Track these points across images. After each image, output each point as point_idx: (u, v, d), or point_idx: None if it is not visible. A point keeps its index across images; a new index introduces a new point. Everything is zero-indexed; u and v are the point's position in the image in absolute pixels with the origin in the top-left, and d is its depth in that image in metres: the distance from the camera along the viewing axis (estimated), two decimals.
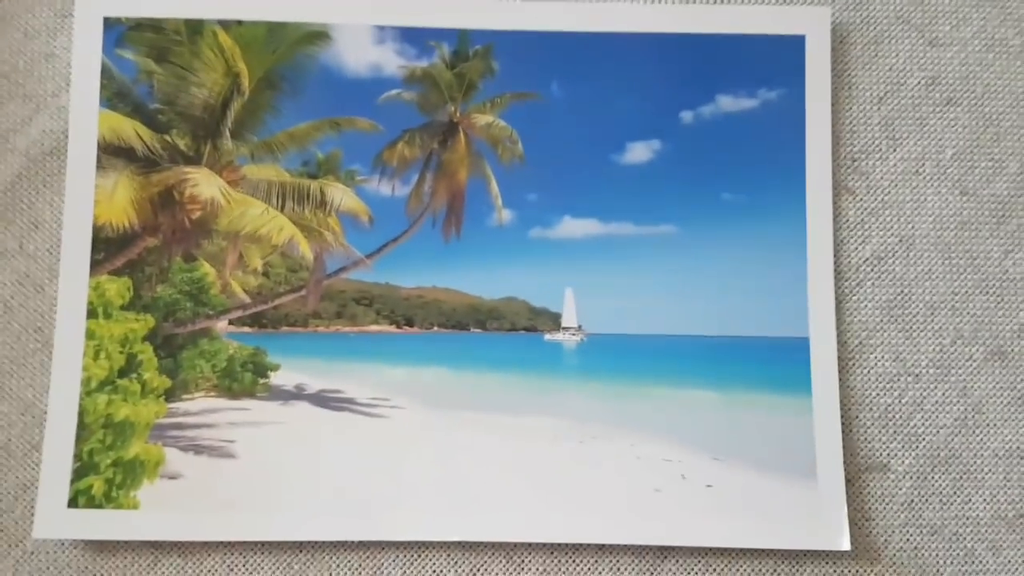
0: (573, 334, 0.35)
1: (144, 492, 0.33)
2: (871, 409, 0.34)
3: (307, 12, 0.35)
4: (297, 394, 0.34)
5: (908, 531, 0.33)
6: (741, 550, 0.33)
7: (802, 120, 0.35)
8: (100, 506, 0.32)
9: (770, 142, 0.35)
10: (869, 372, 0.34)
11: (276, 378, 0.34)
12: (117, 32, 0.35)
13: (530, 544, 0.33)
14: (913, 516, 0.33)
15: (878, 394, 0.34)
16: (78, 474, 0.32)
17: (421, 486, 0.33)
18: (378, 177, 0.35)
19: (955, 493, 0.33)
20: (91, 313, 0.33)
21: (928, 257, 0.35)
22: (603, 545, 0.33)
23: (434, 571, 0.33)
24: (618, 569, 0.33)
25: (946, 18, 0.36)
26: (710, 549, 0.33)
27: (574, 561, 0.33)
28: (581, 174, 0.35)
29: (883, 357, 0.34)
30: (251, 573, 0.33)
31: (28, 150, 0.35)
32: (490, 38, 0.35)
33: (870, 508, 0.33)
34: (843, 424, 0.34)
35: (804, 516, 0.33)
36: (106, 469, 0.33)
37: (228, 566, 0.33)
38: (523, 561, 0.33)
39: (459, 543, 0.33)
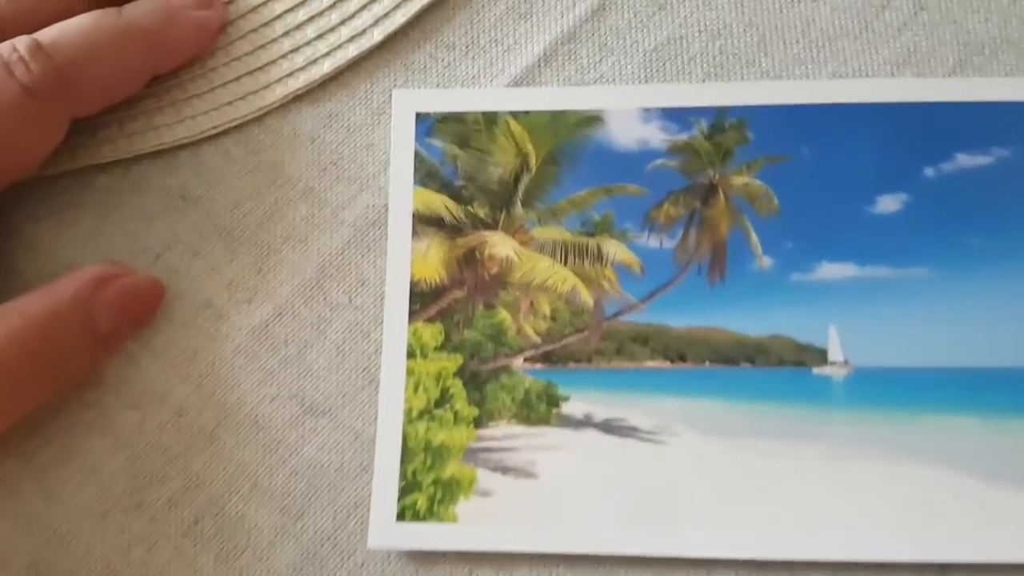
0: (841, 367, 0.38)
1: (461, 507, 0.37)
2: None
3: (584, 101, 0.42)
4: (586, 422, 0.39)
5: None
6: (1017, 565, 0.35)
7: None
8: (424, 519, 0.37)
9: (1006, 192, 0.39)
10: None
11: (566, 408, 0.39)
12: (427, 124, 0.42)
13: (812, 562, 0.36)
14: None
15: None
16: (404, 492, 0.38)
17: (702, 507, 0.36)
18: (647, 233, 0.40)
19: None
20: (410, 354, 0.39)
21: None
22: (883, 563, 0.35)
23: None
24: None
25: None
26: (988, 564, 0.35)
27: None
28: (835, 224, 0.39)
29: None
30: None
31: (355, 222, 0.42)
32: (743, 113, 0.41)
33: None
34: None
35: None
36: (428, 487, 0.38)
37: None
38: None
39: (744, 561, 0.36)
